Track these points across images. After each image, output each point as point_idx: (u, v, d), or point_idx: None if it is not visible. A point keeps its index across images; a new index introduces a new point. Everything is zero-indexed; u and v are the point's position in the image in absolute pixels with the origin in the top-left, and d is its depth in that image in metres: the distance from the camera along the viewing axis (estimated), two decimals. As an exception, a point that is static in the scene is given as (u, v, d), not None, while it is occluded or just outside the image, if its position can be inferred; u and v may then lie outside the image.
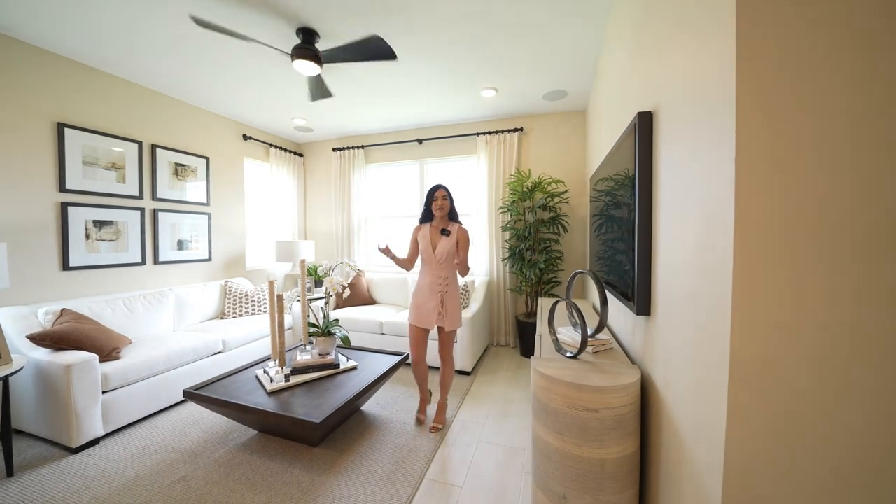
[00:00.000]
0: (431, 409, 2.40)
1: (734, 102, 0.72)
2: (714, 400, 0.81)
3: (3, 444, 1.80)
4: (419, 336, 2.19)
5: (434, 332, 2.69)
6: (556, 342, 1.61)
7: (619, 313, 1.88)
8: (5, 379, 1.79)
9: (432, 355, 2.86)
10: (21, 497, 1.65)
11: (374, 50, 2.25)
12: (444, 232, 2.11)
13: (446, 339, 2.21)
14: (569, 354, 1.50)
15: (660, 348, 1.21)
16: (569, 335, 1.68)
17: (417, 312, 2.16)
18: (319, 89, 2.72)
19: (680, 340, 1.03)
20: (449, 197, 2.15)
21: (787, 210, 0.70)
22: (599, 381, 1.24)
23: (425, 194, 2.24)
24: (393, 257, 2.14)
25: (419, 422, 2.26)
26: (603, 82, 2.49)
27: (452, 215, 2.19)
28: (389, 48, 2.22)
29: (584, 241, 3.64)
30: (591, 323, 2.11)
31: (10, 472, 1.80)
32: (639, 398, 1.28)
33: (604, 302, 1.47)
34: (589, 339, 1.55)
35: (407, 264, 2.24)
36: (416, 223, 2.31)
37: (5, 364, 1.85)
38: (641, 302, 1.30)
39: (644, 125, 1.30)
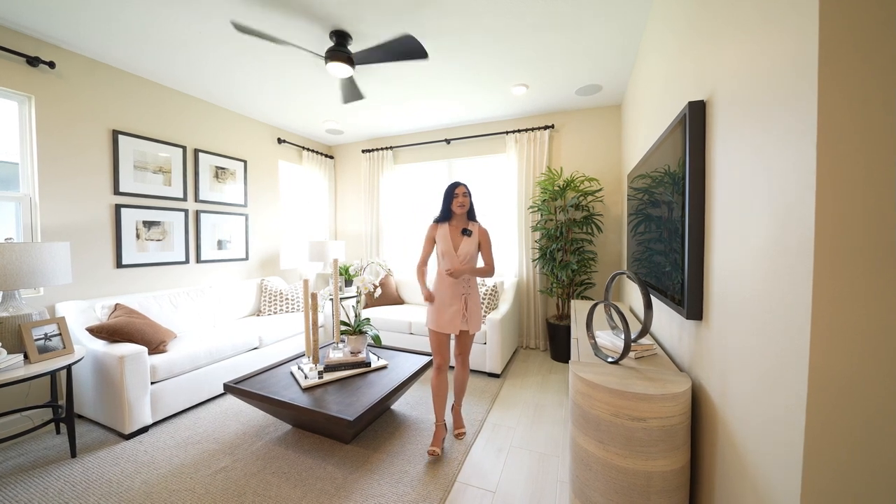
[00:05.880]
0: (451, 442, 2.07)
1: (816, 90, 0.65)
2: (789, 414, 0.73)
3: (68, 427, 1.95)
4: (442, 341, 2.07)
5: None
6: (595, 346, 1.55)
7: (663, 317, 1.78)
8: (69, 367, 1.94)
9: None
10: (83, 477, 1.78)
11: (407, 49, 2.26)
12: (466, 232, 2.03)
13: (468, 342, 2.14)
14: (610, 360, 1.43)
15: (715, 356, 1.13)
16: (608, 339, 1.61)
17: (439, 317, 2.04)
18: (352, 91, 2.77)
19: (742, 347, 0.95)
20: (469, 194, 2.07)
21: (874, 210, 0.62)
22: (646, 388, 1.17)
23: (443, 192, 2.13)
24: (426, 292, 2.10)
25: (433, 455, 1.93)
26: (644, 73, 2.37)
27: (471, 214, 2.11)
28: (421, 47, 2.22)
29: (620, 241, 3.50)
30: (631, 327, 2.01)
31: (73, 454, 1.95)
32: (689, 408, 1.20)
33: (648, 305, 1.39)
34: (632, 344, 1.47)
35: (421, 273, 2.14)
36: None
37: (68, 354, 2.00)
38: (692, 306, 1.22)
39: (696, 115, 1.21)
